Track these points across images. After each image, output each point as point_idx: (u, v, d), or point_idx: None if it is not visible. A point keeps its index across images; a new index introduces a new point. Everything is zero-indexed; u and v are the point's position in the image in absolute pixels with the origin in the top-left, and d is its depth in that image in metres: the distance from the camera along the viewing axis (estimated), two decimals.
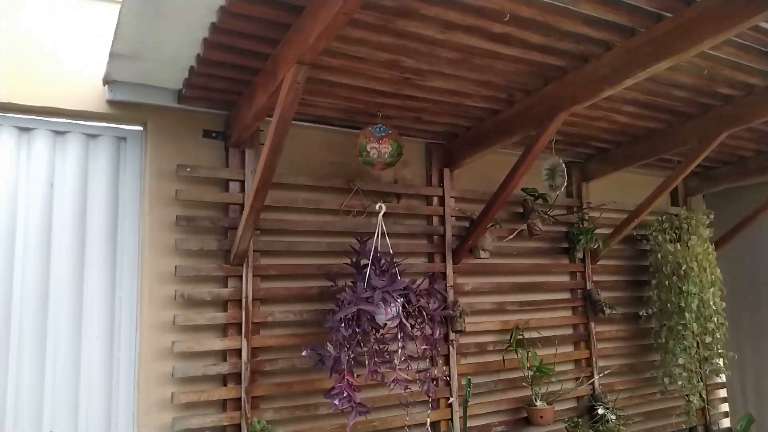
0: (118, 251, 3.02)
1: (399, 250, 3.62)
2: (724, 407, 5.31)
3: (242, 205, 3.14)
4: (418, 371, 3.07)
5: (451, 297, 3.77)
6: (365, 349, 2.91)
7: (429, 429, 3.16)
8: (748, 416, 5.01)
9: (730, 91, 3.47)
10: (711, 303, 4.42)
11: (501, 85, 3.13)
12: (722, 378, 5.25)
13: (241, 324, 3.07)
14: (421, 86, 3.05)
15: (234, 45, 2.51)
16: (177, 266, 2.96)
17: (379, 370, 2.92)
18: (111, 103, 2.98)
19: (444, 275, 3.79)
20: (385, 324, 2.95)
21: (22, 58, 2.89)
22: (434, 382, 3.14)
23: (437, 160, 3.91)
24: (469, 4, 2.36)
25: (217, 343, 3.02)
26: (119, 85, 2.92)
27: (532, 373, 3.84)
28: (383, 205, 3.27)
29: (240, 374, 3.04)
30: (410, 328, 2.90)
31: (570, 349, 4.40)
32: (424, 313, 3.05)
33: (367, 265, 3.15)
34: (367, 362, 2.88)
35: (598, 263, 4.56)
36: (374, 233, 3.43)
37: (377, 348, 2.93)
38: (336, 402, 2.82)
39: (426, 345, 3.02)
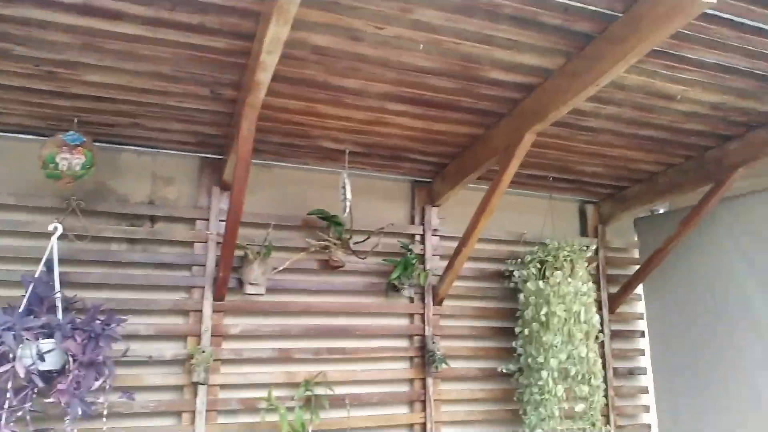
0: None
1: (148, 283, 3.10)
2: None
3: None
4: (37, 430, 2.45)
5: (206, 341, 3.13)
6: None
7: None
8: None
9: (523, 79, 2.65)
10: (585, 360, 3.40)
11: (189, 78, 2.55)
12: None
13: None
14: (86, 82, 2.54)
15: None
16: None
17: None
18: None
19: (200, 314, 3.17)
20: (28, 370, 2.39)
21: None
22: None
23: (207, 177, 3.34)
24: None
25: None
26: None
27: None
28: (58, 225, 2.74)
29: None
30: (24, 376, 2.31)
31: (404, 410, 3.55)
32: (71, 359, 2.45)
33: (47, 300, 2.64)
34: None
35: (446, 304, 3.69)
36: (114, 265, 2.98)
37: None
38: None
39: (58, 399, 2.40)
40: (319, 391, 3.25)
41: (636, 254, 4.40)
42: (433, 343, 3.53)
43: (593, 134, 3.23)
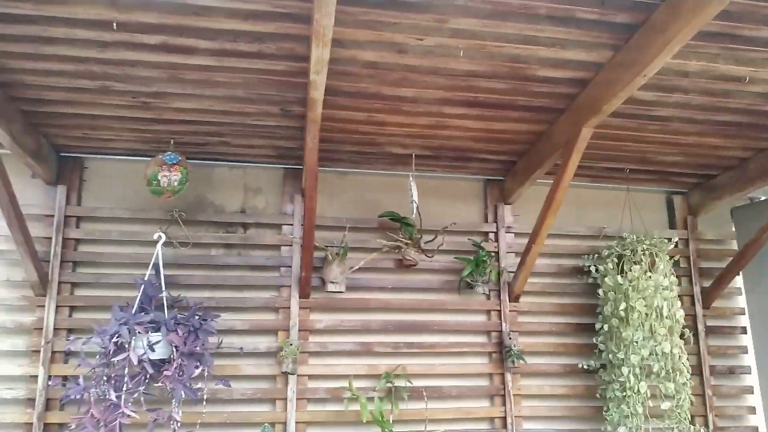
0: None
1: (242, 283, 3.48)
2: None
3: (50, 239, 3.33)
4: (149, 410, 2.84)
5: (294, 335, 3.44)
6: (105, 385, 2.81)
7: None
8: None
9: (573, 74, 2.69)
10: (669, 356, 3.29)
11: (260, 99, 2.87)
12: None
13: (39, 351, 3.21)
14: (175, 109, 2.95)
15: None
16: None
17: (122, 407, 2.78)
18: None
19: (288, 311, 3.49)
20: (140, 359, 2.83)
21: None
22: (175, 427, 2.86)
23: (290, 186, 3.66)
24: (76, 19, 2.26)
25: (18, 368, 3.20)
26: None
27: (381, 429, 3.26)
28: (162, 234, 3.16)
29: (35, 401, 3.16)
30: (137, 364, 2.73)
31: (485, 404, 3.64)
32: (175, 350, 2.84)
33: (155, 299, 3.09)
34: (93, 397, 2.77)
35: (523, 301, 3.73)
36: (212, 268, 3.44)
37: (120, 386, 2.80)
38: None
39: (166, 384, 2.79)
40: (399, 383, 3.44)
41: (734, 246, 4.13)
42: (510, 339, 3.59)
43: (664, 123, 3.15)
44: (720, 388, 3.89)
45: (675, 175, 3.90)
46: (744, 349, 4.00)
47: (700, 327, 3.90)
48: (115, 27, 2.26)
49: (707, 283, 3.98)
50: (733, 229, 4.17)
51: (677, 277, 3.93)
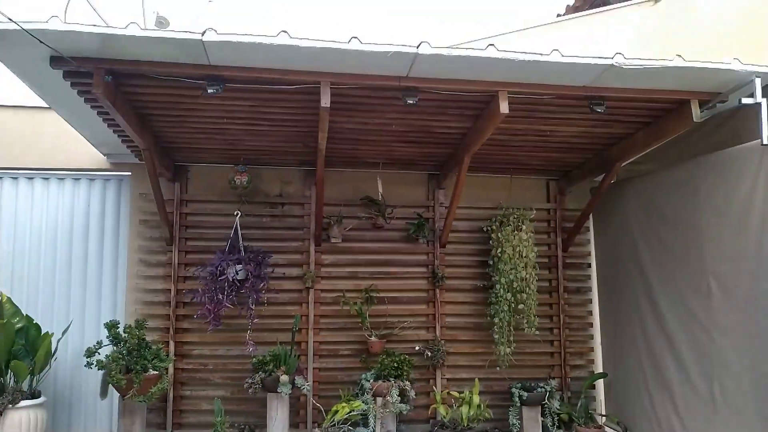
0: (121, 236, 6.00)
1: (282, 238, 6.02)
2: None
3: (173, 213, 5.87)
4: (241, 305, 5.45)
5: (312, 267, 6.00)
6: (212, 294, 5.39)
7: (251, 343, 5.53)
8: (600, 375, 6.16)
9: (457, 130, 5.07)
10: (524, 279, 5.78)
11: (292, 140, 5.30)
12: (592, 344, 6.39)
13: (171, 276, 5.82)
14: (246, 145, 5.40)
15: None
16: (138, 245, 5.83)
17: (223, 304, 5.38)
18: (112, 163, 5.96)
19: (308, 253, 6.04)
20: (232, 278, 5.41)
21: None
22: (252, 315, 5.49)
23: (309, 180, 6.12)
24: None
25: (159, 285, 5.82)
26: (111, 156, 5.88)
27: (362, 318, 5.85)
28: (239, 211, 5.69)
29: (170, 302, 5.79)
30: (231, 281, 5.30)
31: (423, 306, 6.21)
32: (249, 274, 5.41)
33: (237, 246, 5.65)
34: (207, 299, 5.38)
35: (449, 247, 6.22)
36: (264, 229, 5.95)
37: (223, 292, 5.39)
38: (195, 317, 5.44)
39: (249, 291, 5.38)
40: (372, 294, 5.99)
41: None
42: (438, 269, 6.11)
43: (519, 147, 5.51)
44: (570, 299, 6.41)
45: (547, 170, 6.28)
46: (588, 276, 6.48)
47: (560, 263, 6.38)
48: (224, 120, 4.69)
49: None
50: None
51: (547, 232, 6.43)
